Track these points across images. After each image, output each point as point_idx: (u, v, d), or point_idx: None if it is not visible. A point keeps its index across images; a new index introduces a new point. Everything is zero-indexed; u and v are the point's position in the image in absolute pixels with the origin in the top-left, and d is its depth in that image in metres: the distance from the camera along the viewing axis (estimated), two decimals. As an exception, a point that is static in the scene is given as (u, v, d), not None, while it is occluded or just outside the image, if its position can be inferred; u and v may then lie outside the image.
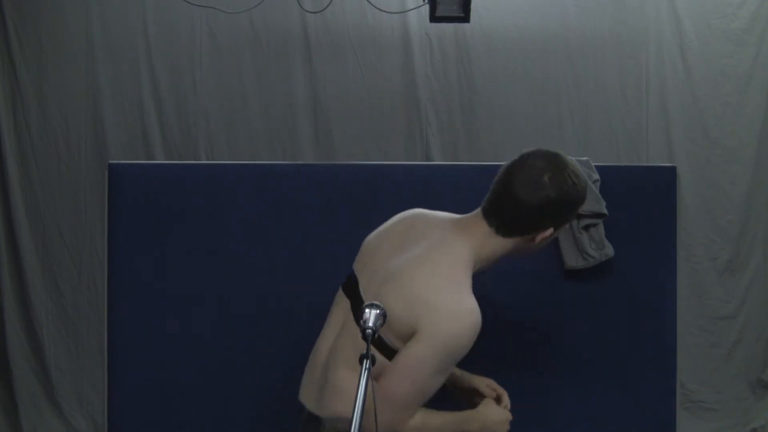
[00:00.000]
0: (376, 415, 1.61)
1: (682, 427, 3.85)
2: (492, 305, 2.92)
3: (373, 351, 1.72)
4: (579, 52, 4.45)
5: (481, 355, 2.91)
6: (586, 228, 2.86)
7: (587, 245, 2.82)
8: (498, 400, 2.18)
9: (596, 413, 2.84)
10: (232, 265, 2.80)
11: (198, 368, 2.79)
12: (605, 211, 2.78)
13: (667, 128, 4.49)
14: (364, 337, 1.57)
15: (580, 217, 2.86)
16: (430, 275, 1.86)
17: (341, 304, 2.05)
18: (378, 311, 1.62)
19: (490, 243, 1.95)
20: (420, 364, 1.81)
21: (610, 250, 2.79)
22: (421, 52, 4.40)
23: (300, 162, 4.07)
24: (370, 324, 1.59)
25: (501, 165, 2.92)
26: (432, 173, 2.97)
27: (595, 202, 2.85)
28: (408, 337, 1.82)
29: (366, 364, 1.53)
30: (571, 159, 1.97)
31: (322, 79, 4.36)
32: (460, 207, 2.90)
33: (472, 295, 1.88)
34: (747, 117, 4.50)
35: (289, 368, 2.82)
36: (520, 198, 1.89)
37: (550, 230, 1.94)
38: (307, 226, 2.83)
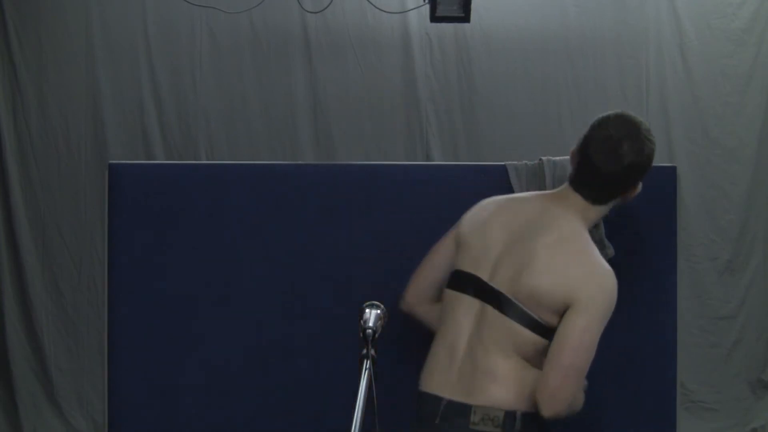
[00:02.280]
0: (377, 419, 1.61)
1: (682, 427, 3.84)
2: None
3: (526, 331, 2.00)
4: (579, 52, 4.45)
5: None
6: (586, 228, 2.86)
7: (587, 245, 2.82)
8: None
9: (596, 413, 2.84)
10: (232, 265, 2.80)
11: (198, 368, 2.79)
12: (605, 211, 2.78)
13: (667, 128, 4.49)
14: (365, 336, 1.57)
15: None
16: (570, 251, 2.04)
17: (465, 304, 2.12)
18: (378, 311, 1.62)
19: (591, 213, 2.12)
20: (589, 331, 1.98)
21: (610, 250, 2.79)
22: (421, 52, 4.40)
23: (300, 162, 4.06)
24: (371, 324, 1.59)
25: (501, 165, 2.93)
26: (432, 173, 2.97)
27: (595, 202, 2.85)
28: (561, 309, 2.00)
29: (366, 364, 1.53)
30: (636, 118, 2.11)
31: (322, 79, 4.36)
32: (459, 207, 2.89)
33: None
34: (747, 117, 4.50)
35: (289, 368, 2.82)
36: (605, 172, 2.05)
37: (639, 184, 2.14)
38: (307, 226, 2.82)
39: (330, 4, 3.97)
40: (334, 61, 4.37)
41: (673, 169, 2.91)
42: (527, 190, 2.92)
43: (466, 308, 2.11)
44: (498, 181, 2.91)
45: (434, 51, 4.41)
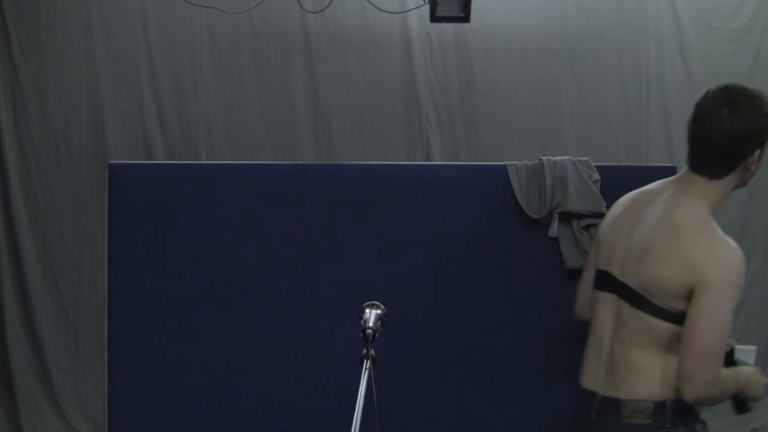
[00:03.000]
0: (377, 419, 1.60)
1: (682, 427, 3.83)
2: (493, 305, 2.93)
3: (658, 321, 2.00)
4: (579, 52, 4.45)
5: (482, 354, 2.91)
6: (587, 228, 2.86)
7: (587, 245, 2.82)
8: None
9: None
10: (232, 265, 2.80)
11: (198, 368, 2.79)
12: (605, 210, 2.78)
13: (667, 128, 4.49)
14: (365, 337, 1.57)
15: (580, 217, 2.86)
16: (688, 235, 2.00)
17: (604, 301, 2.17)
18: (378, 311, 1.62)
19: (712, 190, 2.07)
20: (717, 309, 1.95)
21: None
22: (421, 52, 4.40)
23: (300, 162, 4.06)
24: (371, 324, 1.59)
25: (501, 165, 2.93)
26: (432, 173, 2.97)
27: (595, 202, 2.85)
28: (686, 294, 1.97)
29: (366, 364, 1.53)
30: (744, 86, 2.07)
31: (323, 78, 4.36)
32: (459, 207, 2.90)
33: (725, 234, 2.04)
34: (747, 117, 4.49)
35: (289, 368, 2.82)
36: (712, 141, 2.02)
37: (757, 152, 2.05)
38: (307, 225, 2.83)
39: (330, 4, 3.97)
40: (334, 61, 4.37)
41: (673, 169, 2.92)
42: (527, 190, 2.92)
43: (605, 304, 2.16)
44: (498, 181, 2.92)
45: (434, 51, 4.41)
